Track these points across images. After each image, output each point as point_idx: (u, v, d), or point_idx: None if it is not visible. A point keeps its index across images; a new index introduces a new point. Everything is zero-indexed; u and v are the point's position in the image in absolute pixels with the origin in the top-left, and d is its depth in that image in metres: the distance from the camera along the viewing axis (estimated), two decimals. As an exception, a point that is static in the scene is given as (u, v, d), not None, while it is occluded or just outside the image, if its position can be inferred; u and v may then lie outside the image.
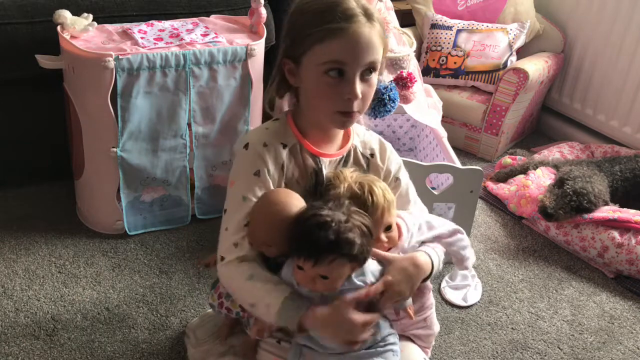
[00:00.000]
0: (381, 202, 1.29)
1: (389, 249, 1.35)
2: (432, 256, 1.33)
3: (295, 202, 1.28)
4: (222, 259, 1.30)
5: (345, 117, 1.29)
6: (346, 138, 1.41)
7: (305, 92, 1.32)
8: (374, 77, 1.28)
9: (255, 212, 1.28)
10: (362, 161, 1.41)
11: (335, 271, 1.19)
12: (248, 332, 1.41)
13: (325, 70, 1.24)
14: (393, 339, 1.31)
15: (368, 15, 1.24)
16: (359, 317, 1.19)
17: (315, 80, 1.27)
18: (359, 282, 1.24)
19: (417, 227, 1.39)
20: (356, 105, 1.26)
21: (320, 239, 1.16)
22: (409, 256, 1.30)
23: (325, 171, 1.35)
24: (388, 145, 1.46)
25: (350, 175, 1.32)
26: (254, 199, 1.29)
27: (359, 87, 1.25)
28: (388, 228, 1.33)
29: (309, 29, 1.24)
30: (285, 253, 1.28)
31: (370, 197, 1.28)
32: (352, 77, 1.24)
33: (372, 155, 1.42)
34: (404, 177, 1.47)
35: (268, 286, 1.24)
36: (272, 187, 1.31)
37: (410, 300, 1.32)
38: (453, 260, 1.47)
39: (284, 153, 1.33)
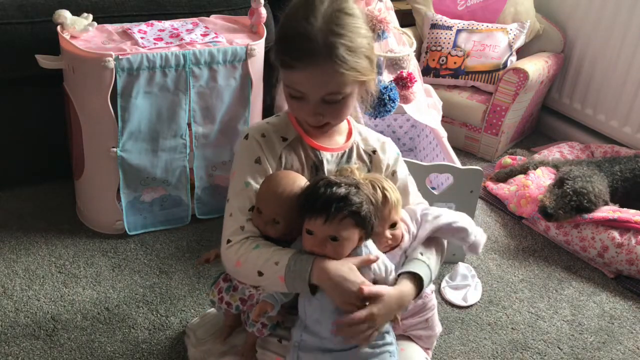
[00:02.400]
0: (391, 199, 1.31)
1: (392, 248, 1.35)
2: (422, 274, 1.31)
3: (304, 181, 1.31)
4: (228, 241, 1.30)
5: (316, 129, 1.33)
6: (349, 134, 1.42)
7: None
8: (343, 99, 1.27)
9: (263, 188, 1.30)
10: (365, 157, 1.42)
11: (344, 232, 1.21)
12: (248, 329, 1.41)
13: (289, 91, 1.28)
14: (390, 338, 1.30)
15: (329, 50, 1.20)
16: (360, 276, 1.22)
17: (286, 94, 1.31)
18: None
19: (417, 225, 1.39)
20: (324, 120, 1.30)
21: (333, 193, 1.19)
22: (398, 292, 1.28)
23: (327, 166, 1.37)
24: (387, 140, 1.47)
25: (358, 172, 1.33)
26: (256, 185, 1.31)
27: (319, 110, 1.27)
28: (393, 226, 1.34)
29: (277, 52, 1.27)
30: (292, 232, 1.30)
31: (382, 194, 1.29)
32: (313, 102, 1.26)
33: (374, 151, 1.43)
34: (402, 169, 1.47)
35: (274, 249, 1.26)
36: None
37: None
38: (464, 248, 1.45)
39: (282, 146, 1.35)
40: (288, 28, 1.26)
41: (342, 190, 1.20)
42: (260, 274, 1.25)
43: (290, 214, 1.26)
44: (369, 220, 1.23)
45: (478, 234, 1.42)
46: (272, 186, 1.29)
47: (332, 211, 1.18)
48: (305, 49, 1.21)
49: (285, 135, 1.36)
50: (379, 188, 1.30)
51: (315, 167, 1.37)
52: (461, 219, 1.41)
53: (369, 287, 1.22)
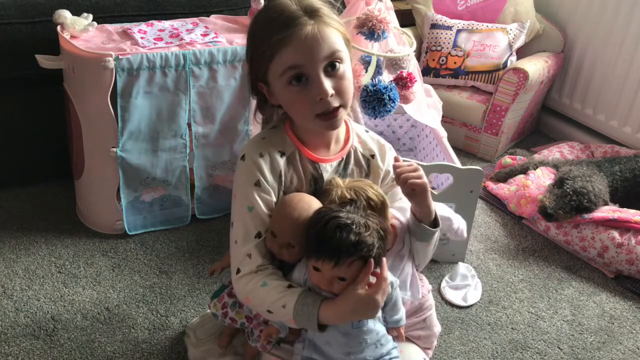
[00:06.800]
0: (377, 206, 1.29)
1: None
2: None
3: (319, 205, 1.28)
4: (238, 271, 1.28)
5: (328, 119, 1.25)
6: (346, 140, 1.39)
7: (285, 107, 1.31)
8: (343, 68, 1.25)
9: (278, 213, 1.27)
10: (363, 162, 1.40)
11: (353, 273, 1.19)
12: (251, 344, 1.41)
13: (287, 80, 1.23)
14: (395, 352, 1.32)
15: (311, 13, 1.22)
16: (371, 291, 1.20)
17: (284, 93, 1.26)
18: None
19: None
20: (335, 101, 1.24)
21: (343, 240, 1.16)
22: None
23: (326, 177, 1.34)
24: (387, 145, 1.45)
25: (343, 181, 1.32)
26: (261, 208, 1.28)
27: (327, 84, 1.22)
28: None
29: (261, 47, 1.24)
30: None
31: (367, 203, 1.27)
32: (316, 77, 1.21)
33: (373, 156, 1.41)
34: None
35: (280, 289, 1.23)
36: (273, 196, 1.30)
37: (404, 320, 1.32)
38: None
39: (282, 161, 1.31)
40: (260, 23, 1.27)
41: (352, 237, 1.16)
42: (269, 312, 1.25)
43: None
44: (379, 255, 1.21)
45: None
46: (288, 211, 1.25)
47: (341, 257, 1.17)
48: (290, 17, 1.21)
49: (283, 150, 1.32)
50: (363, 198, 1.27)
51: (314, 180, 1.34)
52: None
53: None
